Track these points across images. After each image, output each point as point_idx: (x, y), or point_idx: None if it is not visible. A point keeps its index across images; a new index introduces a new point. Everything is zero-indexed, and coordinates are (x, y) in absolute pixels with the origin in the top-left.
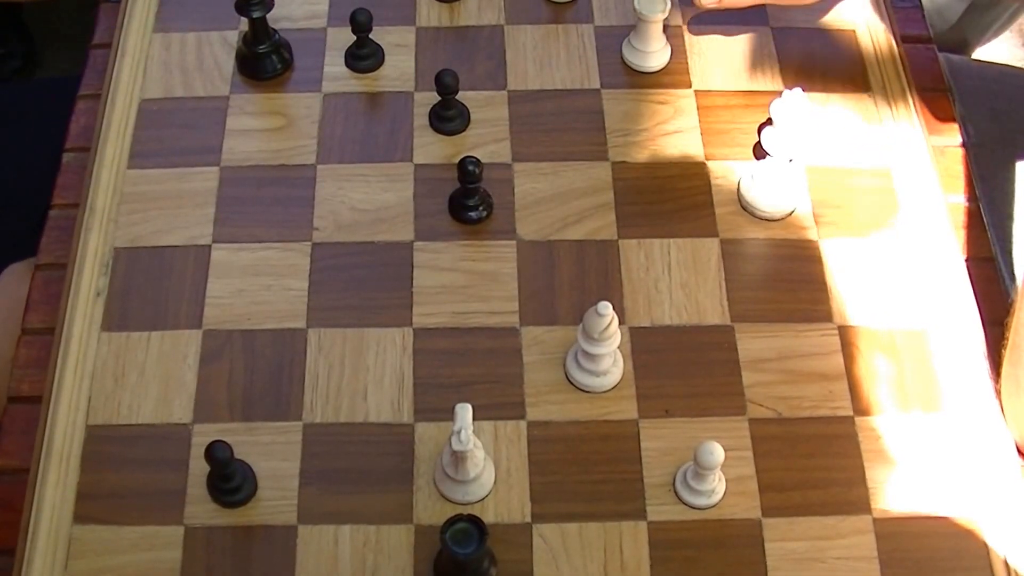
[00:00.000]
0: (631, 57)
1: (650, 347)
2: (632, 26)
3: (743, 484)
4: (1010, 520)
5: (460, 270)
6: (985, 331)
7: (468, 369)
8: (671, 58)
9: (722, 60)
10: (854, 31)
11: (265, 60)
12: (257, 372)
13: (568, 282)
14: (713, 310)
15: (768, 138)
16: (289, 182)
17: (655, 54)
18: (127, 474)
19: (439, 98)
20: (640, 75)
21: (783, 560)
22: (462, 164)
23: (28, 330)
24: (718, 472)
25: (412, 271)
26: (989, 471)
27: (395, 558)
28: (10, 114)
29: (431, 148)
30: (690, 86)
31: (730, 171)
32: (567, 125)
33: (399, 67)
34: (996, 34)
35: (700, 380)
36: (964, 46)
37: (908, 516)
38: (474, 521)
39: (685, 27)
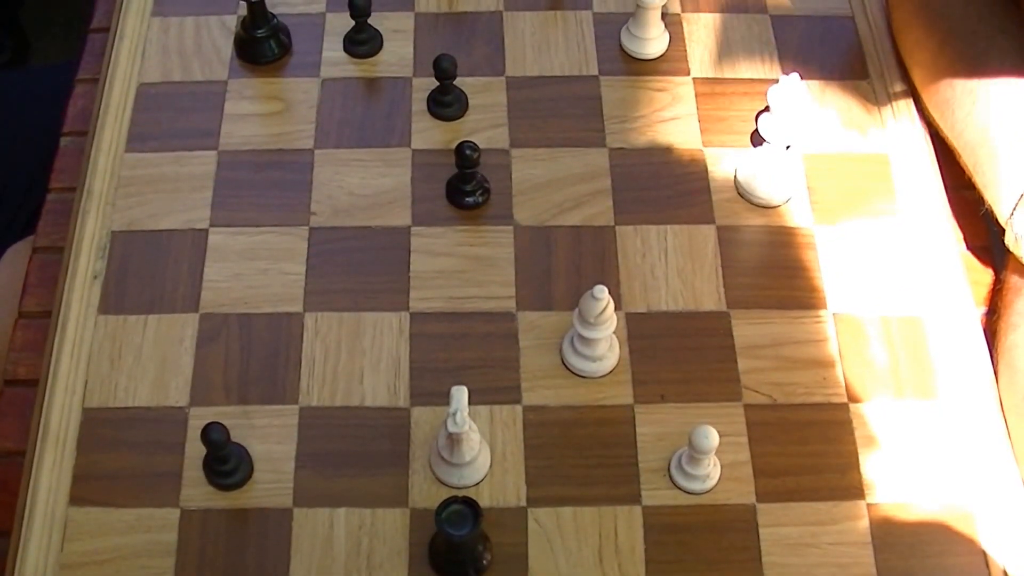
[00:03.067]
0: (629, 44)
1: (646, 333)
2: (631, 13)
3: (737, 469)
4: (1002, 506)
5: (457, 255)
6: (981, 320)
7: (464, 353)
8: (669, 45)
9: (720, 47)
10: (852, 18)
11: (263, 45)
12: (254, 355)
13: (565, 268)
14: (709, 296)
15: (765, 125)
16: (286, 166)
17: (653, 41)
18: (123, 456)
19: (437, 83)
20: (638, 62)
21: (777, 545)
22: (460, 149)
23: (25, 313)
24: (713, 457)
25: (409, 256)
26: (982, 458)
27: (390, 541)
28: (2, 103)
29: (429, 133)
30: (688, 73)
31: (727, 158)
32: (565, 111)
33: (397, 52)
34: None
35: (695, 366)
36: None
37: (901, 502)
38: (469, 503)
39: (684, 15)
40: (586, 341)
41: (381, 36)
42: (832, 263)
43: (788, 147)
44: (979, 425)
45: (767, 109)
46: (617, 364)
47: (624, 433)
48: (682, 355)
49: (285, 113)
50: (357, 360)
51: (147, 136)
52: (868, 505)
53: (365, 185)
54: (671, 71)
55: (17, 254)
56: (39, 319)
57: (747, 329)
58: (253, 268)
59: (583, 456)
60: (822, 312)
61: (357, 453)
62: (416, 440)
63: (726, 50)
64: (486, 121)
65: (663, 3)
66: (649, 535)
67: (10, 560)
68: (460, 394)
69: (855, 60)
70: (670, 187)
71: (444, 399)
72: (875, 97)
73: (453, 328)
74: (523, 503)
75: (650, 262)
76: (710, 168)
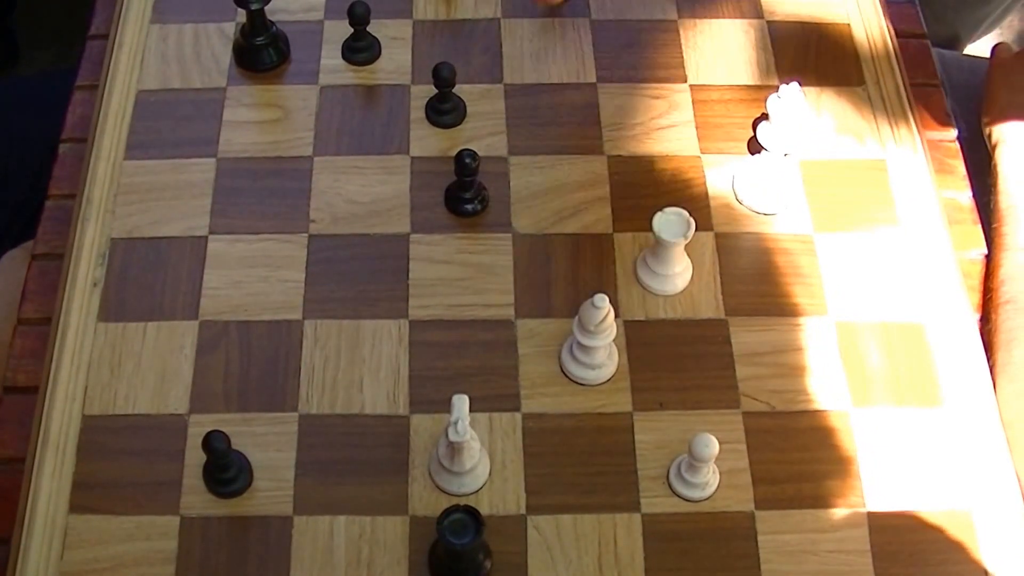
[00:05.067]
0: (647, 280)
1: (645, 340)
2: (628, 21)
3: (736, 477)
4: (1002, 515)
5: (456, 263)
6: (979, 325)
7: (463, 361)
8: (667, 51)
9: (717, 55)
10: (849, 25)
11: (262, 52)
12: (253, 363)
13: (563, 275)
14: (707, 304)
15: (764, 133)
16: (286, 174)
17: (676, 277)
18: (123, 464)
19: (436, 91)
20: (636, 70)
21: (776, 552)
22: (459, 157)
23: (24, 320)
24: (712, 465)
25: (408, 263)
26: (981, 465)
27: (390, 549)
28: None
29: (427, 141)
30: (685, 80)
31: (725, 165)
32: (563, 119)
33: (396, 60)
34: (987, 31)
35: (694, 373)
36: (955, 42)
37: (901, 510)
38: (470, 512)
39: (680, 21)
40: (585, 349)
41: (379, 44)
42: (830, 270)
43: (786, 155)
44: (977, 432)
45: (765, 116)
46: (616, 372)
47: (623, 441)
48: (681, 363)
49: (284, 121)
50: (356, 368)
51: (146, 144)
52: (867, 513)
53: (364, 193)
54: (668, 78)
55: (13, 260)
56: (39, 326)
57: (746, 336)
58: (252, 276)
59: (582, 464)
60: (820, 319)
61: (357, 461)
62: (416, 448)
63: (723, 57)
64: (484, 129)
65: (688, 240)
66: (648, 543)
67: (10, 568)
68: (461, 403)
69: (851, 66)
70: (668, 194)
71: (443, 407)
72: (871, 103)
73: (452, 336)
74: (523, 511)
75: None
76: (708, 175)
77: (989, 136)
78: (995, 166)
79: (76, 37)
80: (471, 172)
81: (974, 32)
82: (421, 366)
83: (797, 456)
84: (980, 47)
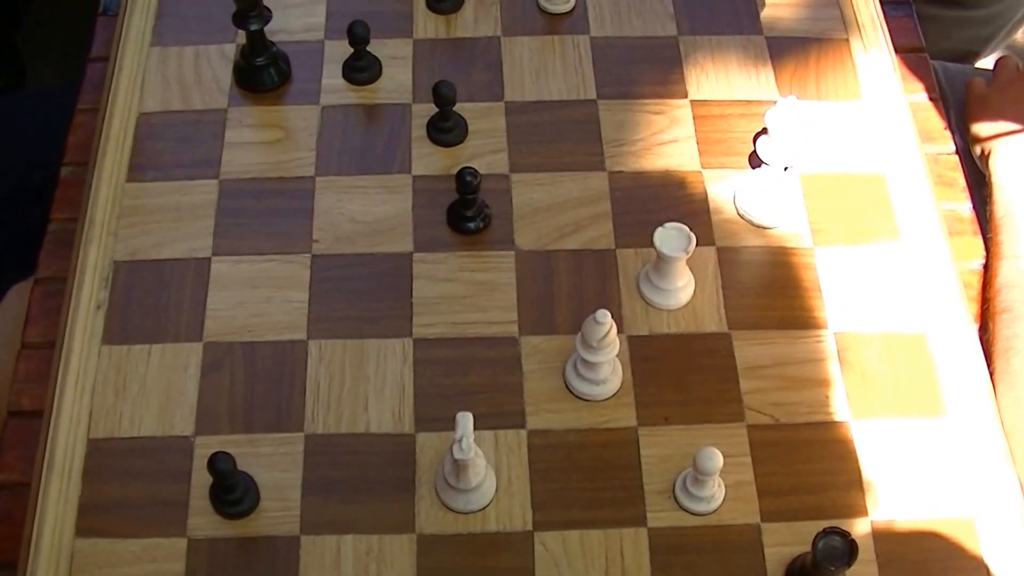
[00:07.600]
0: (650, 294)
1: (648, 355)
2: (628, 37)
3: (742, 490)
4: (1005, 523)
5: (459, 280)
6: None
7: (468, 379)
8: (667, 67)
9: (717, 70)
10: (847, 40)
11: (263, 73)
12: (258, 383)
13: (566, 291)
14: (710, 318)
15: (763, 147)
16: (288, 194)
17: (678, 291)
18: (129, 487)
19: (437, 109)
20: (636, 86)
21: (782, 564)
22: (460, 175)
23: (28, 344)
24: (717, 478)
25: (411, 282)
26: (984, 474)
27: (397, 567)
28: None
29: (429, 159)
30: (686, 96)
31: (726, 180)
32: (564, 135)
33: (396, 79)
34: (997, 48)
35: (698, 387)
36: (968, 57)
37: (904, 519)
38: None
39: (680, 38)
40: (589, 365)
41: (380, 63)
42: (831, 282)
43: (786, 168)
44: (979, 441)
45: (765, 131)
46: (620, 387)
47: (628, 456)
48: (684, 377)
49: (285, 141)
50: (361, 387)
51: (148, 166)
52: (872, 522)
53: (366, 212)
54: (669, 94)
55: (16, 294)
56: (42, 350)
57: (748, 350)
58: (256, 296)
59: (588, 479)
60: (823, 331)
61: (363, 480)
62: (422, 466)
63: (723, 72)
64: (486, 146)
65: (689, 255)
66: (655, 557)
67: None
68: (465, 421)
69: (850, 80)
70: (670, 209)
71: (449, 424)
72: (870, 117)
73: (456, 354)
74: (529, 527)
75: None
76: (709, 190)
77: (981, 153)
78: (989, 176)
79: (82, 54)
80: (473, 190)
81: (985, 49)
82: (426, 384)
83: (801, 468)
84: (990, 62)
